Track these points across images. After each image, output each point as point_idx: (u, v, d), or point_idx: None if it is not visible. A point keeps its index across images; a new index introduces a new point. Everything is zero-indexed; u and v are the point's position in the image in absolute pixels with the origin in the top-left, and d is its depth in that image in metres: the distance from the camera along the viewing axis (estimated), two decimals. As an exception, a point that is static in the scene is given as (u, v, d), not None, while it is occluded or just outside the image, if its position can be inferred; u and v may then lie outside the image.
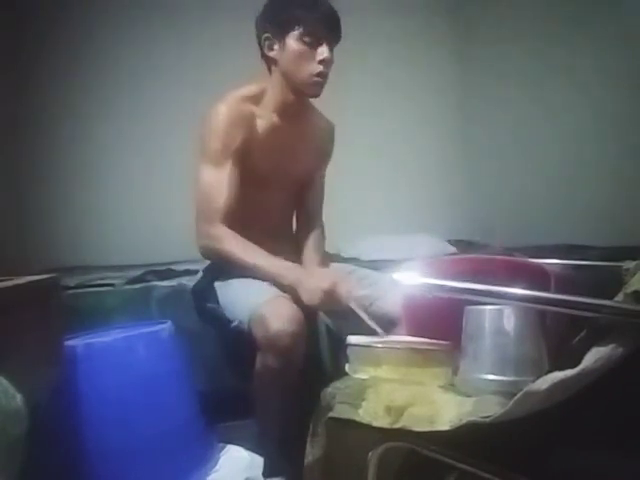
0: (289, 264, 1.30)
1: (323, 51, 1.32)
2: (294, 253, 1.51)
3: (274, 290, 1.25)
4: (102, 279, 1.94)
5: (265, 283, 1.28)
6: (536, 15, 2.65)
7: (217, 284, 1.40)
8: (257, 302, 1.20)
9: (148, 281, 1.89)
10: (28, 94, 2.72)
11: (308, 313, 1.29)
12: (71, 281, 1.86)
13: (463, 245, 2.78)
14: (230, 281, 1.37)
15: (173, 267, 2.08)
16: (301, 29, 1.31)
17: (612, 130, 2.24)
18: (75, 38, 2.78)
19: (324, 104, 1.61)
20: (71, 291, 1.75)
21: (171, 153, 2.69)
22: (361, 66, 3.08)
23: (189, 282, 1.64)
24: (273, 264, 1.28)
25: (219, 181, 1.32)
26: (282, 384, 1.15)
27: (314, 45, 1.32)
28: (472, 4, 3.20)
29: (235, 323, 1.25)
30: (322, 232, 1.55)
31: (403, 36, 3.20)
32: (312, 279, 1.21)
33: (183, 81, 2.83)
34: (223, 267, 1.38)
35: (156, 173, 2.81)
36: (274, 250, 1.46)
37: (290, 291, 1.23)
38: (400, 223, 2.91)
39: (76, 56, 2.79)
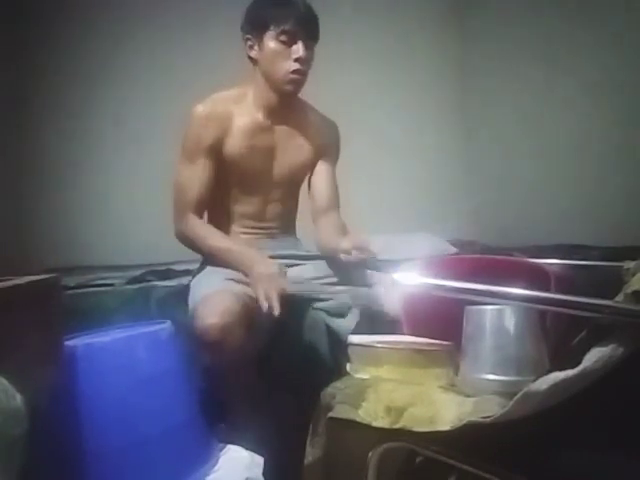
0: (246, 250, 1.35)
1: (298, 49, 1.35)
2: (294, 249, 1.51)
3: (222, 283, 1.29)
4: (102, 279, 1.94)
5: (223, 274, 1.33)
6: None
7: (193, 280, 1.44)
8: (200, 295, 1.27)
9: (148, 281, 1.89)
10: (27, 94, 2.71)
11: (302, 308, 1.31)
12: (71, 281, 1.86)
13: (463, 245, 2.77)
14: (199, 275, 1.43)
15: (173, 267, 2.08)
16: (276, 28, 1.34)
17: (614, 130, 2.24)
18: (68, 38, 2.77)
19: (323, 105, 1.61)
20: (71, 291, 1.75)
21: (173, 153, 2.68)
22: (357, 59, 3.08)
23: (189, 282, 1.64)
24: (232, 250, 1.35)
25: (191, 176, 1.41)
26: (222, 374, 1.20)
27: (290, 44, 1.35)
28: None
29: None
30: (338, 220, 1.50)
31: (401, 32, 3.19)
32: (259, 266, 1.27)
33: (181, 78, 2.82)
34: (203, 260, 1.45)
35: (157, 173, 2.80)
36: (272, 247, 1.47)
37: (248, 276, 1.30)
38: (400, 222, 2.91)
39: (75, 55, 2.78)
